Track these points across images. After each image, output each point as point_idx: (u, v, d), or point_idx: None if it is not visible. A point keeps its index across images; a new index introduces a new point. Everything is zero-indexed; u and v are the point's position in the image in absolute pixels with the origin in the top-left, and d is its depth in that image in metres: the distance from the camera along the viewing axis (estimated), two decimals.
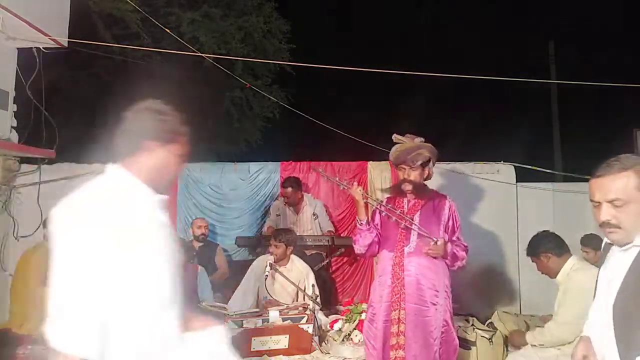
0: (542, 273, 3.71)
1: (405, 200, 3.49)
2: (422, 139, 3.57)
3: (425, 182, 3.60)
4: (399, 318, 3.24)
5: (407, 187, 3.44)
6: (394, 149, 3.53)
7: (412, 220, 3.36)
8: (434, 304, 3.29)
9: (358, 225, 3.40)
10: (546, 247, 3.61)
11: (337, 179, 3.36)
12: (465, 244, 3.47)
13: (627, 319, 1.74)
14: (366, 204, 3.40)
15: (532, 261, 3.74)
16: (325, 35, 13.88)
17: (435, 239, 3.27)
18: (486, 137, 11.18)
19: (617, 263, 1.85)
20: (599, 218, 1.83)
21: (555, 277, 3.61)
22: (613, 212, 1.79)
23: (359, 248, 3.47)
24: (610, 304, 1.80)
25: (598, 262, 2.13)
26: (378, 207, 3.46)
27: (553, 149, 13.95)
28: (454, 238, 3.45)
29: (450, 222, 3.48)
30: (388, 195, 3.60)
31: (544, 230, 3.78)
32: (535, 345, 3.65)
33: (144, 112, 1.77)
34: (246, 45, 10.29)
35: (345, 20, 14.94)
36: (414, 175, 3.43)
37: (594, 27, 12.22)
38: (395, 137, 3.57)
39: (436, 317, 3.28)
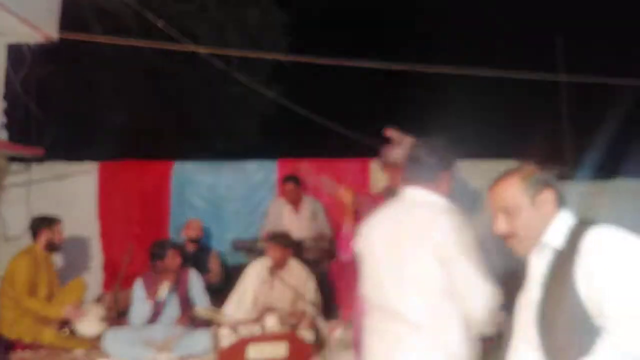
0: None
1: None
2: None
3: None
4: None
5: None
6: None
7: None
8: None
9: (345, 231, 3.10)
10: None
11: (325, 180, 3.14)
12: None
13: (551, 327, 1.71)
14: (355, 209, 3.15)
15: None
16: (323, 29, 13.70)
17: None
18: (490, 134, 11.06)
19: (534, 270, 1.84)
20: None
21: None
22: (506, 221, 1.82)
23: (349, 257, 3.14)
24: (533, 314, 1.78)
25: None
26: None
27: (563, 148, 13.84)
28: None
29: None
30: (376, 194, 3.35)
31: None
32: None
33: (437, 147, 2.24)
34: (242, 39, 10.16)
35: (345, 13, 14.76)
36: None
37: (603, 23, 12.10)
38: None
39: None
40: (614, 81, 5.34)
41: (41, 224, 4.90)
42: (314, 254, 5.47)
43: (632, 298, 1.54)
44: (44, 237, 4.83)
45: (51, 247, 4.88)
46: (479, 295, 2.04)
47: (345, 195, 3.07)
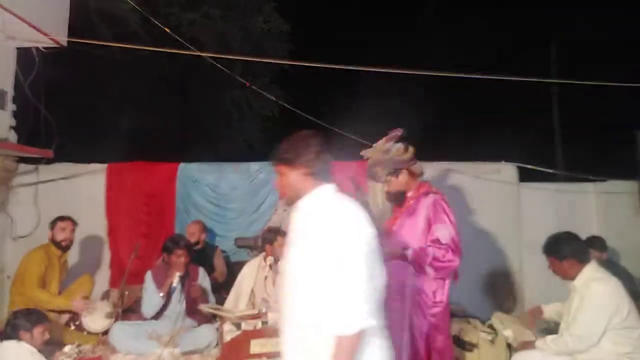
0: (555, 273, 3.51)
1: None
2: (388, 144, 3.33)
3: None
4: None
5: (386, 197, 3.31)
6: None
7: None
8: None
9: None
10: (572, 252, 3.41)
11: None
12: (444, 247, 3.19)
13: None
14: None
15: (548, 259, 3.51)
16: (325, 35, 13.84)
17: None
18: (488, 136, 11.14)
19: None
20: None
21: (571, 280, 3.43)
22: None
23: None
24: None
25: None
26: None
27: (555, 149, 13.91)
28: (429, 243, 3.21)
29: (428, 223, 3.28)
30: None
31: (567, 232, 3.56)
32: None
33: None
34: (246, 45, 10.27)
35: (345, 19, 14.89)
36: (387, 186, 3.29)
37: (595, 26, 12.19)
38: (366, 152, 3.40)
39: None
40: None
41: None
42: None
43: None
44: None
45: (56, 245, 4.92)
46: None
47: None
